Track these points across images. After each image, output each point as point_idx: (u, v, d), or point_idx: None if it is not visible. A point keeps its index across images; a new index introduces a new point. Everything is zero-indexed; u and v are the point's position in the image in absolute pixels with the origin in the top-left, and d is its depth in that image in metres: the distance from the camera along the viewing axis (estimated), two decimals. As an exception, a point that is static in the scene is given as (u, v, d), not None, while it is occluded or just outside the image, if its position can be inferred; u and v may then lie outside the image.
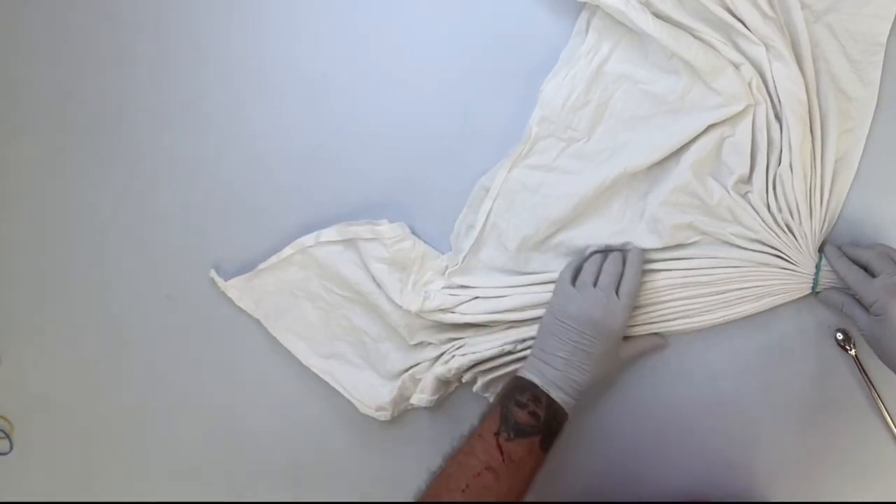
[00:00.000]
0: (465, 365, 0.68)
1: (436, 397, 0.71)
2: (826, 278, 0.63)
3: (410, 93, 0.73)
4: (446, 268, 0.71)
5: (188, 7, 0.76)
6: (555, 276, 0.67)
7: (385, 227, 0.71)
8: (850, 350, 0.66)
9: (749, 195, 0.64)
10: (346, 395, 0.74)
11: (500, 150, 0.71)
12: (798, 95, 0.62)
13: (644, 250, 0.66)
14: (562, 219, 0.68)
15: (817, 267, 0.64)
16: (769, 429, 0.68)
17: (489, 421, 0.59)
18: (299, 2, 0.74)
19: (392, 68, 0.73)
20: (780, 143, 0.63)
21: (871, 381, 0.65)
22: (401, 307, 0.70)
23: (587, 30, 0.68)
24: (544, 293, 0.67)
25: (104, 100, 0.79)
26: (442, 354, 0.71)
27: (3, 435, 0.84)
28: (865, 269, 0.61)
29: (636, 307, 0.66)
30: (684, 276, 0.65)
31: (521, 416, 0.59)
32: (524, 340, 0.68)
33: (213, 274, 0.76)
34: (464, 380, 0.70)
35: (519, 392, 0.60)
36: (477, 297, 0.69)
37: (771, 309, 0.65)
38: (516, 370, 0.64)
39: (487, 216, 0.70)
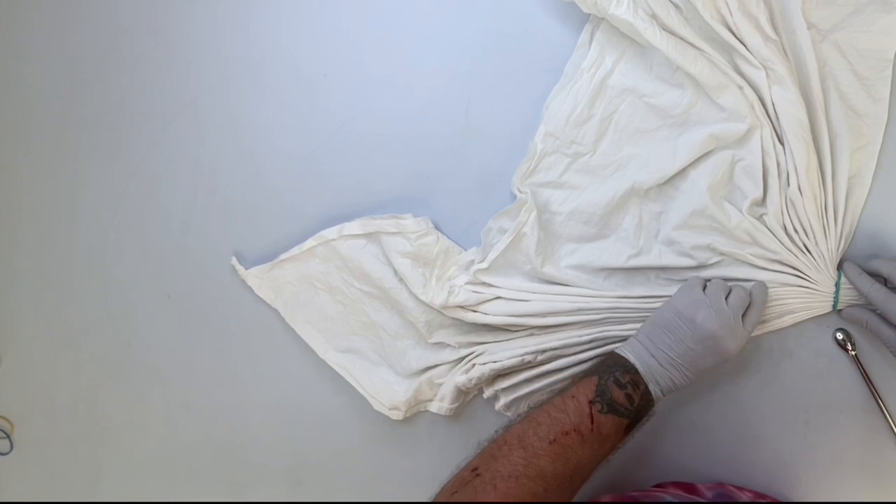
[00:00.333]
0: (486, 374, 0.68)
1: (455, 405, 0.71)
2: (846, 296, 0.64)
3: (411, 93, 0.73)
4: (471, 262, 0.71)
5: (188, 7, 0.76)
6: (577, 290, 0.68)
7: (409, 221, 0.71)
8: (851, 350, 0.66)
9: (764, 217, 0.65)
10: (360, 390, 0.74)
11: (500, 150, 0.71)
12: (799, 118, 0.62)
13: (766, 285, 0.65)
14: (575, 237, 0.69)
15: (837, 285, 0.64)
16: (769, 429, 0.68)
17: (584, 386, 0.59)
18: (299, 2, 0.74)
19: (392, 68, 0.73)
20: (785, 166, 0.63)
21: (871, 381, 0.65)
22: (423, 303, 0.70)
23: (590, 43, 0.68)
24: (566, 303, 0.67)
25: (104, 100, 0.79)
26: (461, 360, 0.71)
27: (3, 435, 0.84)
28: (886, 281, 0.61)
29: None
30: None
31: (618, 394, 0.58)
32: (545, 351, 0.68)
33: (234, 262, 0.76)
34: (485, 395, 0.70)
35: (621, 371, 0.59)
36: (499, 298, 0.69)
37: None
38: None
39: (522, 225, 0.69)
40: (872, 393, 0.65)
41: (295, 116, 0.75)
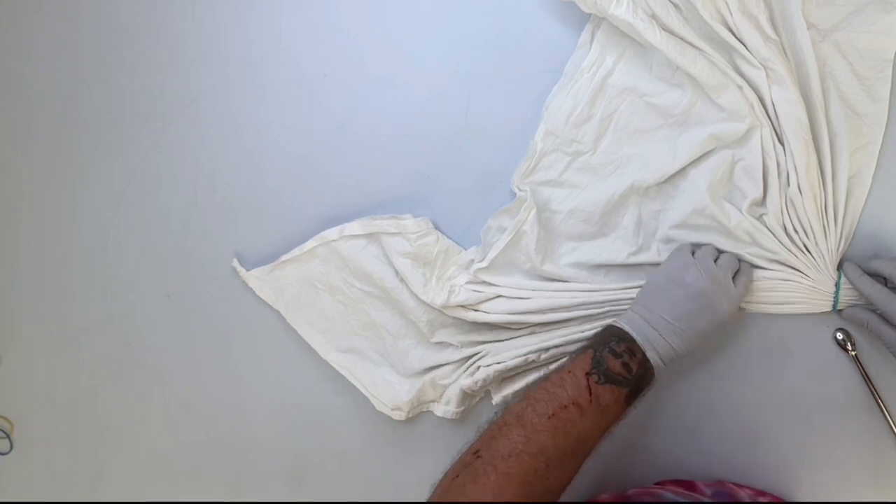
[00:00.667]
0: (492, 376, 0.68)
1: (462, 409, 0.71)
2: (846, 296, 0.64)
3: (411, 93, 0.73)
4: (471, 262, 0.71)
5: (188, 7, 0.76)
6: (577, 286, 0.68)
7: (409, 222, 0.71)
8: (851, 350, 0.66)
9: (764, 217, 0.65)
10: (363, 391, 0.74)
11: (500, 150, 0.71)
12: (798, 118, 0.62)
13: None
14: (574, 235, 0.69)
15: (837, 285, 0.64)
16: (769, 429, 0.68)
17: (580, 360, 0.58)
18: (299, 2, 0.74)
19: (392, 68, 0.73)
20: (785, 166, 0.63)
21: (871, 381, 0.65)
22: (424, 302, 0.70)
23: (591, 42, 0.68)
24: (567, 298, 0.68)
25: (104, 100, 0.79)
26: (464, 361, 0.71)
27: (3, 435, 0.84)
28: (886, 281, 0.61)
29: None
30: None
31: (614, 364, 0.58)
32: (548, 350, 0.68)
33: (235, 263, 0.76)
34: (494, 401, 0.71)
35: (615, 341, 0.59)
36: (500, 296, 0.69)
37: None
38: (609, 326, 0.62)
39: (522, 223, 0.69)
40: (872, 393, 0.65)
41: (295, 116, 0.75)
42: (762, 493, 0.67)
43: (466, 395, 0.70)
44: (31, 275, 0.82)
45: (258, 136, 0.76)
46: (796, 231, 0.64)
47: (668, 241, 0.67)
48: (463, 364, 0.71)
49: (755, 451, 0.68)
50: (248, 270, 0.75)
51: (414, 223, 0.71)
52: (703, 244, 0.66)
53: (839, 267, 0.64)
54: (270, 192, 0.76)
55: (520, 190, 0.69)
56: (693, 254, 0.64)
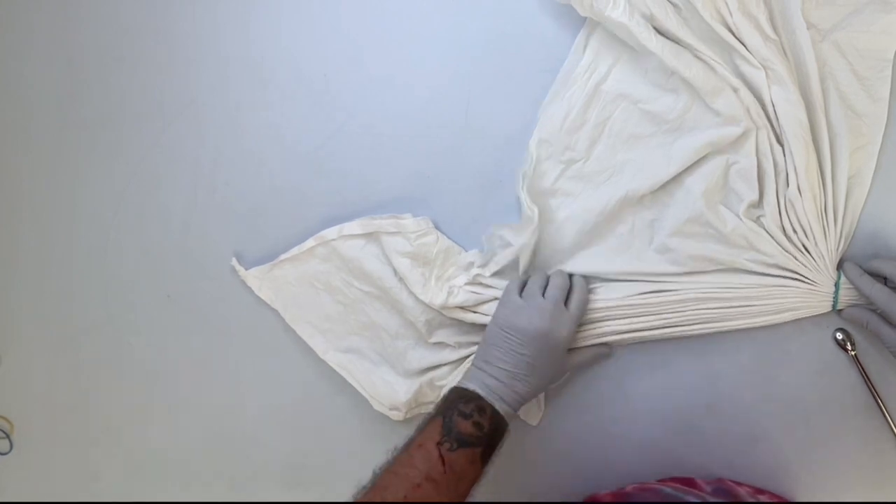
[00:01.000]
0: None
1: None
2: (846, 296, 0.64)
3: (411, 93, 0.73)
4: (470, 264, 0.71)
5: (188, 7, 0.76)
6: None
7: (409, 221, 0.71)
8: (851, 350, 0.66)
9: (762, 219, 0.64)
10: (361, 391, 0.74)
11: (500, 150, 0.71)
12: (798, 118, 0.62)
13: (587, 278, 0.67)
14: (567, 248, 0.69)
15: (836, 285, 0.64)
16: (769, 429, 0.68)
17: (429, 430, 0.57)
18: (299, 2, 0.74)
19: (392, 68, 0.73)
20: (785, 167, 0.63)
21: (871, 381, 0.65)
22: (423, 303, 0.70)
23: (585, 48, 0.68)
24: None
25: (104, 100, 0.79)
26: (462, 362, 0.71)
27: (3, 435, 0.84)
28: (886, 281, 0.61)
29: (657, 313, 0.66)
30: (704, 293, 0.65)
31: (465, 426, 0.57)
32: None
33: (234, 262, 0.76)
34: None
35: (463, 402, 0.59)
36: (498, 299, 0.69)
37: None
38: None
39: (525, 247, 0.69)
40: (872, 393, 0.65)
41: (295, 116, 0.75)
42: (761, 492, 0.67)
43: None
44: (31, 275, 0.82)
45: (258, 136, 0.76)
46: (795, 231, 0.64)
47: (665, 250, 0.66)
48: (461, 365, 0.71)
49: (755, 450, 0.68)
50: (246, 269, 0.75)
51: (414, 223, 0.70)
52: (533, 275, 0.66)
53: (839, 267, 0.64)
54: (270, 191, 0.76)
55: (529, 208, 0.68)
56: (521, 291, 0.64)
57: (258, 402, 0.79)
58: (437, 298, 0.69)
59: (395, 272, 0.71)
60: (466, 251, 0.72)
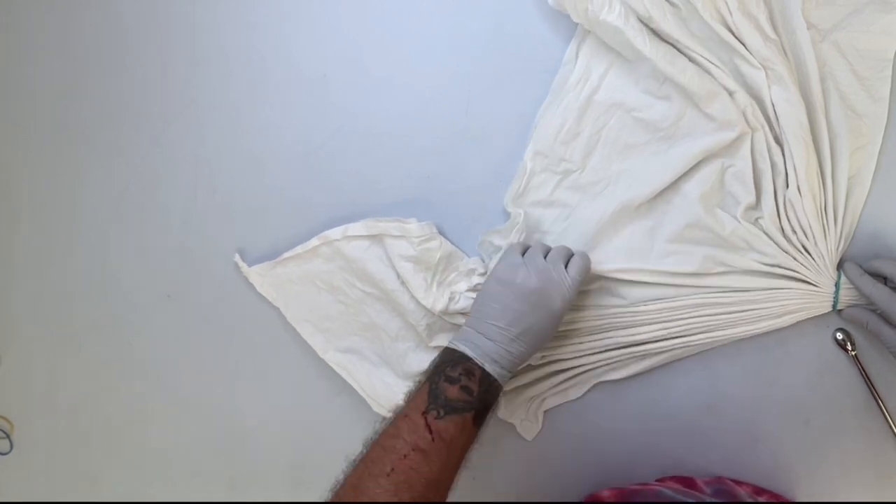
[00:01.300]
0: None
1: None
2: (846, 296, 0.64)
3: (411, 93, 0.73)
4: (471, 271, 0.71)
5: (188, 7, 0.76)
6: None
7: (413, 226, 0.70)
8: (851, 350, 0.66)
9: (760, 221, 0.64)
10: (360, 392, 0.74)
11: (500, 150, 0.71)
12: (798, 118, 0.62)
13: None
14: (567, 255, 0.68)
15: (837, 285, 0.64)
16: (769, 429, 0.68)
17: (416, 399, 0.55)
18: (299, 2, 0.74)
19: (392, 69, 0.73)
20: (784, 167, 0.63)
21: (871, 381, 0.65)
22: (424, 307, 0.70)
23: (576, 58, 0.68)
24: None
25: (104, 100, 0.79)
26: None
27: (3, 435, 0.84)
28: (886, 281, 0.61)
29: (660, 321, 0.66)
30: (704, 298, 0.65)
31: (452, 391, 0.55)
32: (542, 356, 0.68)
33: (237, 258, 0.76)
34: (499, 413, 0.71)
35: (450, 366, 0.56)
36: None
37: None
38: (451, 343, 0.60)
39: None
40: (872, 393, 0.65)
41: (295, 116, 0.75)
42: (761, 491, 0.67)
43: None
44: (31, 275, 0.82)
45: (258, 136, 0.76)
46: (795, 232, 0.64)
47: (666, 255, 0.66)
48: None
49: (755, 450, 0.68)
50: (249, 267, 0.75)
51: (418, 227, 0.70)
52: (535, 242, 0.65)
53: (839, 267, 0.64)
54: (270, 192, 0.76)
55: (514, 212, 0.69)
56: (523, 254, 0.63)
57: (258, 402, 0.79)
58: (439, 303, 0.69)
59: (398, 275, 0.71)
60: (469, 257, 0.72)
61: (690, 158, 0.64)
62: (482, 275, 0.70)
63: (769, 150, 0.64)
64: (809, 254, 0.64)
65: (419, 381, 0.58)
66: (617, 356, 0.68)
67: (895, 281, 0.61)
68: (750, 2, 0.62)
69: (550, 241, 0.69)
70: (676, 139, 0.65)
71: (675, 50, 0.64)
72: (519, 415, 0.71)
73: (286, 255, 0.74)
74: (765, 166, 0.64)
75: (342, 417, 0.76)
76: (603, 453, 0.72)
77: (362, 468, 0.53)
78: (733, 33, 0.63)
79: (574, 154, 0.68)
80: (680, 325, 0.66)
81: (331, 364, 0.75)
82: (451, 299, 0.69)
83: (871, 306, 0.62)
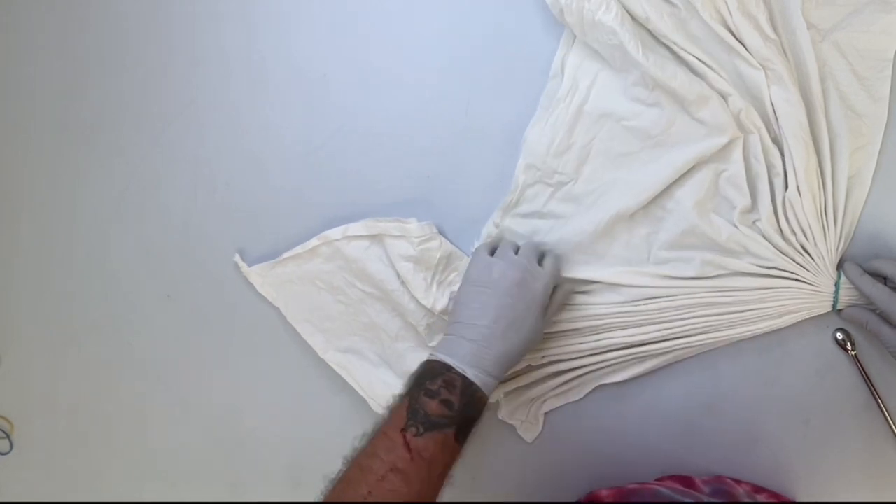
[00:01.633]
0: None
1: None
2: (846, 296, 0.64)
3: (410, 93, 0.73)
4: None
5: (188, 7, 0.76)
6: (573, 298, 0.67)
7: (413, 226, 0.70)
8: (851, 350, 0.66)
9: (758, 223, 0.64)
10: (360, 391, 0.74)
11: (500, 150, 0.71)
12: (798, 118, 0.62)
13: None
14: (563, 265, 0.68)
15: (836, 285, 0.64)
16: (769, 429, 0.68)
17: (395, 416, 0.53)
18: (299, 2, 0.74)
19: (392, 68, 0.73)
20: (782, 168, 0.63)
21: (871, 381, 0.65)
22: (424, 307, 0.70)
23: (562, 71, 0.68)
24: (565, 312, 0.67)
25: (104, 100, 0.79)
26: None
27: (3, 435, 0.84)
28: (886, 280, 0.61)
29: (661, 321, 0.66)
30: (704, 298, 0.65)
31: (432, 406, 0.52)
32: (543, 356, 0.68)
33: (237, 258, 0.76)
34: (500, 415, 0.71)
35: (429, 379, 0.54)
36: None
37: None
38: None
39: None
40: (872, 393, 0.65)
41: (295, 116, 0.75)
42: (760, 490, 0.67)
43: None
44: (31, 275, 0.82)
45: (258, 136, 0.76)
46: (794, 232, 0.63)
47: (665, 261, 0.66)
48: None
49: (754, 450, 0.68)
50: (249, 267, 0.75)
51: (418, 227, 0.70)
52: (502, 243, 0.65)
53: (839, 267, 0.64)
54: (270, 192, 0.76)
55: (496, 226, 0.70)
56: (491, 253, 0.62)
57: (258, 402, 0.79)
58: (439, 304, 0.69)
59: (398, 275, 0.71)
60: (468, 257, 0.72)
61: (682, 165, 0.64)
62: None
63: (766, 152, 0.63)
64: (809, 254, 0.64)
65: (399, 396, 0.55)
66: (618, 357, 0.68)
67: (895, 281, 0.61)
68: (750, 2, 0.62)
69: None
70: (668, 146, 0.65)
71: (666, 55, 0.64)
72: (519, 416, 0.71)
73: (286, 255, 0.74)
74: (760, 168, 0.63)
75: (342, 417, 0.76)
76: (603, 453, 0.72)
77: (340, 489, 0.51)
78: (733, 33, 0.63)
79: (567, 166, 0.68)
80: (680, 326, 0.66)
81: (331, 364, 0.75)
82: (451, 299, 0.69)
83: (871, 306, 0.62)
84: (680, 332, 0.66)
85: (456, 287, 0.70)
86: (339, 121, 0.74)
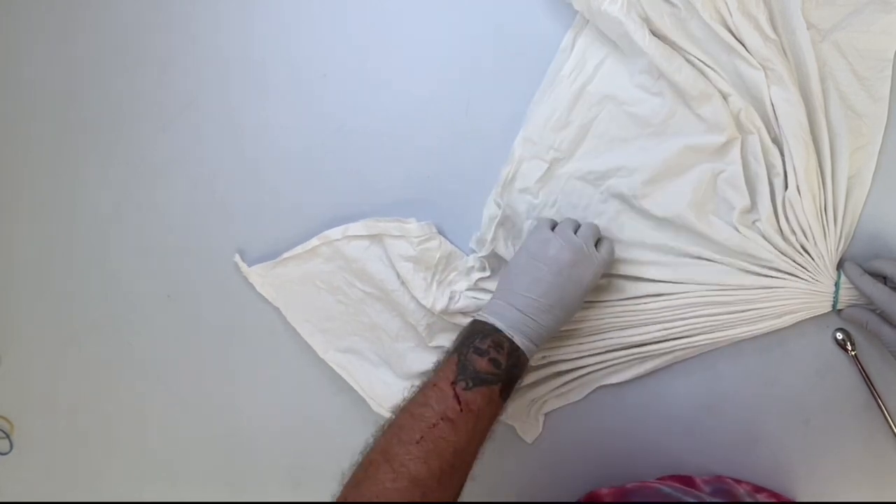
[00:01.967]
0: None
1: None
2: (846, 296, 0.63)
3: (411, 93, 0.73)
4: (470, 269, 0.71)
5: (188, 7, 0.76)
6: None
7: (413, 226, 0.70)
8: (851, 350, 0.66)
9: (757, 223, 0.64)
10: (360, 391, 0.74)
11: (500, 150, 0.71)
12: (798, 118, 0.62)
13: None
14: None
15: (836, 285, 0.64)
16: (769, 429, 0.68)
17: (445, 370, 0.56)
18: (299, 2, 0.74)
19: (392, 68, 0.73)
20: (782, 168, 0.63)
21: (871, 381, 0.65)
22: (424, 307, 0.70)
23: (572, 47, 0.68)
24: None
25: (104, 100, 0.79)
26: None
27: (3, 435, 0.84)
28: (886, 280, 0.61)
29: (661, 321, 0.66)
30: (704, 297, 0.65)
31: (481, 363, 0.55)
32: (544, 356, 0.68)
33: (237, 258, 0.76)
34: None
35: (479, 338, 0.57)
36: None
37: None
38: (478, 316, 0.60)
39: (493, 240, 0.69)
40: (872, 393, 0.65)
41: (295, 116, 0.75)
42: (760, 490, 0.67)
43: None
44: (31, 275, 0.82)
45: (258, 136, 0.76)
46: (794, 233, 0.63)
47: (653, 264, 0.66)
48: None
49: (755, 450, 0.68)
50: (249, 267, 0.75)
51: (418, 227, 0.70)
52: (563, 220, 0.65)
53: (839, 267, 0.64)
54: (270, 192, 0.76)
55: (497, 204, 0.69)
56: (553, 229, 0.63)
57: (258, 402, 0.79)
58: (439, 303, 0.69)
59: (398, 275, 0.71)
60: (468, 256, 0.72)
61: (676, 156, 0.64)
62: (481, 270, 0.70)
63: (765, 152, 0.63)
64: (809, 254, 0.64)
65: (447, 352, 0.58)
66: (618, 358, 0.68)
67: (895, 281, 0.61)
68: (750, 2, 0.62)
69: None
70: (665, 136, 0.65)
71: (672, 49, 0.64)
72: (520, 417, 0.71)
73: (286, 255, 0.74)
74: (759, 169, 0.63)
75: (342, 417, 0.76)
76: (603, 453, 0.72)
77: (391, 434, 0.53)
78: (733, 33, 0.63)
79: (563, 143, 0.68)
80: (680, 326, 0.66)
81: (331, 364, 0.75)
82: (451, 299, 0.69)
83: (871, 306, 0.62)
84: (680, 333, 0.66)
85: (456, 287, 0.70)
86: (339, 121, 0.74)
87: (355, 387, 0.74)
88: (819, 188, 0.63)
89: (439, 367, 0.57)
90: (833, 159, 0.63)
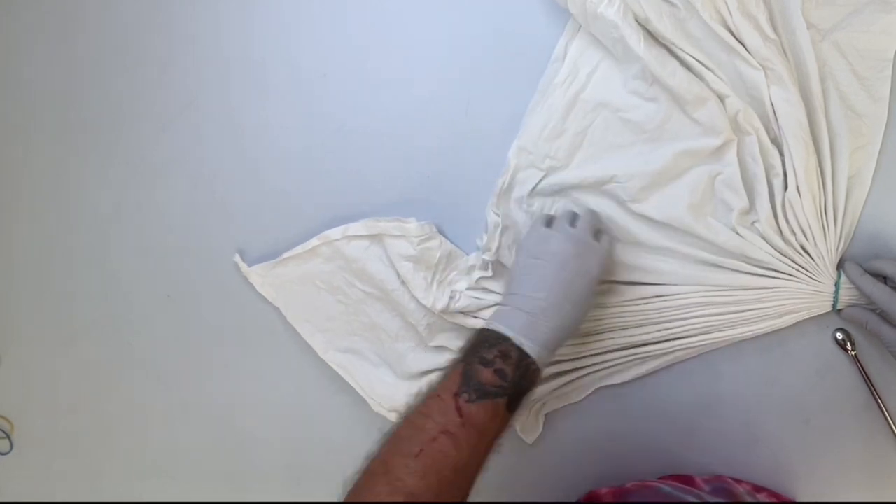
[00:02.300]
0: None
1: None
2: (846, 295, 0.63)
3: (411, 93, 0.73)
4: (471, 268, 0.70)
5: (188, 7, 0.76)
6: None
7: (413, 226, 0.70)
8: (851, 350, 0.66)
9: (756, 224, 0.64)
10: (360, 391, 0.74)
11: (500, 150, 0.71)
12: (798, 118, 0.62)
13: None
14: None
15: (836, 285, 0.64)
16: (769, 429, 0.68)
17: (449, 379, 0.53)
18: (299, 2, 0.74)
19: (392, 68, 0.73)
20: (781, 168, 0.63)
21: (871, 381, 0.65)
22: (424, 306, 0.70)
23: (564, 56, 0.68)
24: None
25: (104, 100, 0.79)
26: None
27: (3, 435, 0.84)
28: (886, 280, 0.61)
29: (661, 322, 0.66)
30: (704, 297, 0.65)
31: (486, 375, 0.52)
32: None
33: (237, 258, 0.76)
34: None
35: (485, 347, 0.54)
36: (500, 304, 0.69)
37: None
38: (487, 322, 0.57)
39: (498, 249, 0.69)
40: (872, 393, 0.65)
41: (295, 116, 0.75)
42: (760, 489, 0.67)
43: None
44: (31, 275, 0.82)
45: (258, 136, 0.76)
46: (794, 233, 0.63)
47: (652, 267, 0.66)
48: None
49: (754, 450, 0.69)
50: (249, 267, 0.75)
51: (418, 227, 0.70)
52: (559, 212, 0.64)
53: (839, 266, 0.64)
54: (270, 192, 0.76)
55: (496, 214, 0.69)
56: (548, 224, 0.61)
57: (258, 402, 0.79)
58: (439, 303, 0.69)
59: (398, 275, 0.71)
60: (468, 255, 0.72)
61: (673, 160, 0.64)
62: (482, 269, 0.70)
63: (765, 153, 0.63)
64: (809, 254, 0.64)
65: (455, 359, 0.55)
66: (618, 358, 0.68)
67: (895, 281, 0.61)
68: (750, 2, 0.62)
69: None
70: (661, 142, 0.65)
71: (667, 52, 0.64)
72: (520, 417, 0.71)
73: (286, 255, 0.74)
74: (758, 169, 0.63)
75: (342, 417, 0.76)
76: (603, 453, 0.72)
77: (392, 444, 0.51)
78: (733, 33, 0.62)
79: (559, 151, 0.68)
80: (680, 326, 0.66)
81: (331, 364, 0.75)
82: (451, 298, 0.69)
83: (871, 306, 0.62)
84: (680, 333, 0.66)
85: (456, 286, 0.70)
86: (339, 121, 0.74)
87: (355, 387, 0.74)
88: (819, 188, 0.63)
89: (444, 377, 0.54)
90: (833, 159, 0.63)
